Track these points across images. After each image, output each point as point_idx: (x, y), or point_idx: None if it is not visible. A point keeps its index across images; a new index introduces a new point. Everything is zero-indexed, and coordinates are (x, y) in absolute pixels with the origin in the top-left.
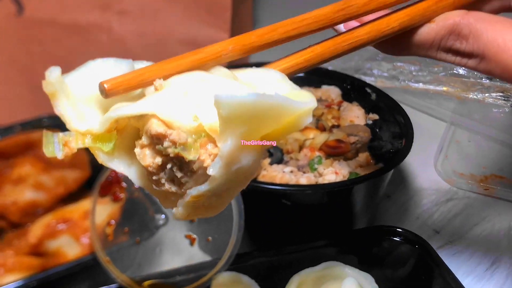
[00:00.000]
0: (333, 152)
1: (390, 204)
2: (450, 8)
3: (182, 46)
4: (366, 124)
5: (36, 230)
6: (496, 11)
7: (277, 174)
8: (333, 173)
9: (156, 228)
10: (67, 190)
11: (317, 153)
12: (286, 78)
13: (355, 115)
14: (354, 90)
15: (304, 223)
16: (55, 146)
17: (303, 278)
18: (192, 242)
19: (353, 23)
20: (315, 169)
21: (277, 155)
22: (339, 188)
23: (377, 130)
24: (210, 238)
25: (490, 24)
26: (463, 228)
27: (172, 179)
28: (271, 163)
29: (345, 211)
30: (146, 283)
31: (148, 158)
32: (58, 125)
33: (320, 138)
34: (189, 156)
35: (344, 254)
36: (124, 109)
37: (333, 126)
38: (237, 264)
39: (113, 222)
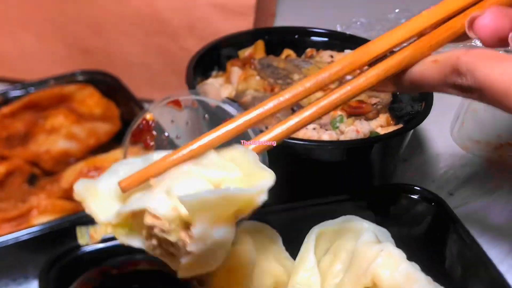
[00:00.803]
0: (355, 112)
1: (407, 168)
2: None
3: (212, 9)
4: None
5: (68, 176)
6: None
7: (300, 130)
8: (354, 131)
9: None
10: (97, 142)
11: (339, 113)
12: (257, 159)
13: None
14: None
15: (324, 179)
16: (87, 237)
17: (322, 230)
18: None
19: None
20: (337, 127)
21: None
22: (360, 145)
23: (397, 93)
24: None
25: (485, 60)
26: (477, 192)
27: (168, 252)
28: None
29: (364, 169)
30: None
31: (147, 240)
32: (89, 80)
33: None
34: (172, 239)
35: (361, 210)
36: (126, 207)
37: None
38: (260, 215)
39: None
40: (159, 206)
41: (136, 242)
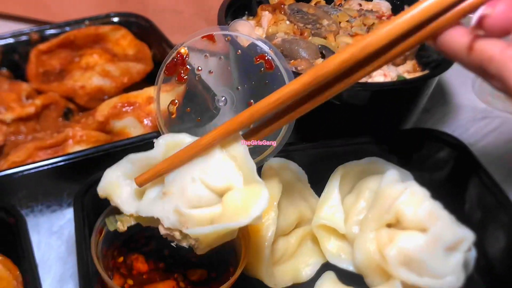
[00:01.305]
0: None
1: (429, 118)
2: None
3: None
4: None
5: (103, 110)
6: None
7: None
8: (381, 75)
9: (216, 110)
10: (131, 81)
11: None
12: (255, 170)
13: None
14: (403, 5)
15: (350, 121)
16: (115, 225)
17: (347, 169)
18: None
19: None
20: None
21: (328, 55)
22: (387, 87)
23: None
24: None
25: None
26: (496, 143)
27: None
28: None
29: (389, 114)
30: None
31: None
32: (123, 22)
33: None
34: (184, 244)
35: (385, 153)
36: (142, 212)
37: None
38: (287, 152)
39: (176, 101)
40: (169, 222)
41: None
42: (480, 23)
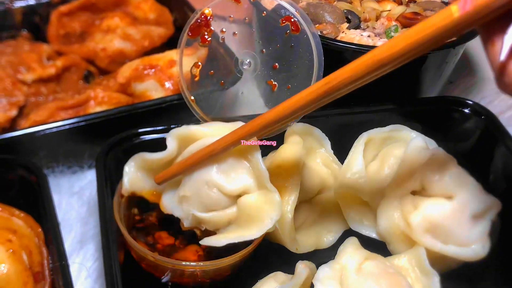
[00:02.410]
0: (410, 23)
1: (453, 89)
2: None
3: None
4: (443, 2)
5: (124, 72)
6: None
7: (355, 37)
8: None
9: (240, 73)
10: (152, 45)
11: (394, 23)
12: (267, 178)
13: None
14: None
15: (375, 88)
16: None
17: (371, 136)
18: (273, 88)
19: None
20: (391, 37)
21: (354, 22)
22: None
23: None
24: (289, 85)
25: None
26: None
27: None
28: (348, 28)
29: (414, 81)
30: None
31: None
32: None
33: (398, 9)
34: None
35: (409, 121)
36: (165, 208)
37: (410, 1)
38: (310, 117)
39: (200, 63)
40: (188, 223)
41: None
42: None
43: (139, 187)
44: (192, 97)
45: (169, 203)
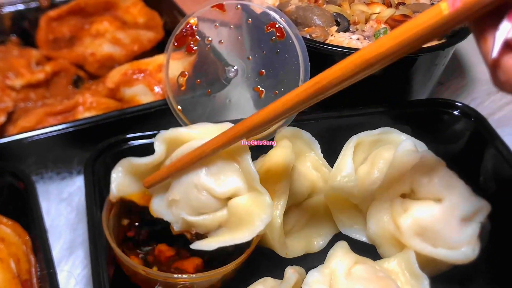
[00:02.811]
0: (399, 25)
1: (443, 91)
2: None
3: None
4: (432, 4)
5: (113, 76)
6: None
7: (344, 40)
8: None
9: (227, 81)
10: (141, 49)
11: (383, 25)
12: (258, 180)
13: None
14: None
15: (364, 91)
16: None
17: (361, 139)
18: (260, 95)
19: None
20: None
21: (344, 25)
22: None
23: None
24: (277, 91)
25: None
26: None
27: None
28: (337, 31)
29: (403, 84)
30: None
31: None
32: None
33: (387, 12)
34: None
35: (399, 124)
36: (155, 211)
37: (399, 4)
38: (300, 121)
39: (186, 73)
40: (178, 227)
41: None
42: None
43: (127, 192)
44: (179, 107)
45: (159, 207)
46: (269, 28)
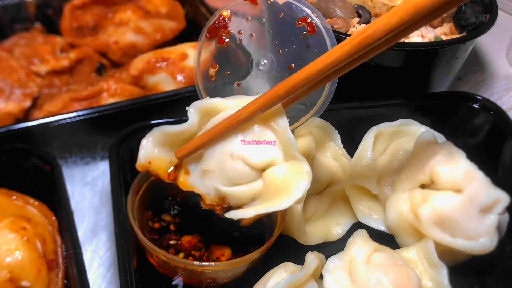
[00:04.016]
0: None
1: (461, 86)
2: None
3: None
4: None
5: (137, 64)
6: None
7: None
8: (419, 36)
9: (256, 74)
10: (163, 38)
11: None
12: (296, 147)
13: None
14: None
15: (385, 83)
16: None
17: (381, 130)
18: None
19: None
20: None
21: (365, 17)
22: (425, 48)
23: (462, 4)
24: None
25: None
26: None
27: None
28: (359, 23)
29: (425, 76)
30: None
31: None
32: None
33: None
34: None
35: (419, 116)
36: (199, 189)
37: None
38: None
39: (217, 64)
40: (210, 199)
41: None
42: None
43: (155, 162)
44: (209, 98)
45: (190, 179)
46: (300, 22)
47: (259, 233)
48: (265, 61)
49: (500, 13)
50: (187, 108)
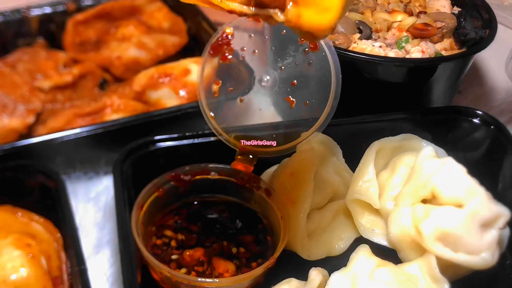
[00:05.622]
0: (420, 34)
1: (461, 100)
2: None
3: None
4: (453, 13)
5: (140, 80)
6: None
7: (367, 47)
8: (419, 51)
9: (259, 90)
10: (166, 53)
11: (405, 33)
12: None
13: (441, 5)
14: None
15: (386, 98)
16: None
17: (382, 145)
18: (291, 105)
19: None
20: (402, 47)
21: (366, 32)
22: (426, 63)
23: (462, 20)
24: (307, 102)
25: None
26: None
27: None
28: (360, 38)
29: (425, 90)
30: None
31: None
32: None
33: (408, 20)
34: None
35: (419, 131)
36: None
37: (420, 13)
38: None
39: (220, 80)
40: None
41: None
42: None
43: None
44: (212, 114)
45: None
46: (302, 39)
47: (262, 248)
48: (268, 77)
49: (498, 26)
50: None
